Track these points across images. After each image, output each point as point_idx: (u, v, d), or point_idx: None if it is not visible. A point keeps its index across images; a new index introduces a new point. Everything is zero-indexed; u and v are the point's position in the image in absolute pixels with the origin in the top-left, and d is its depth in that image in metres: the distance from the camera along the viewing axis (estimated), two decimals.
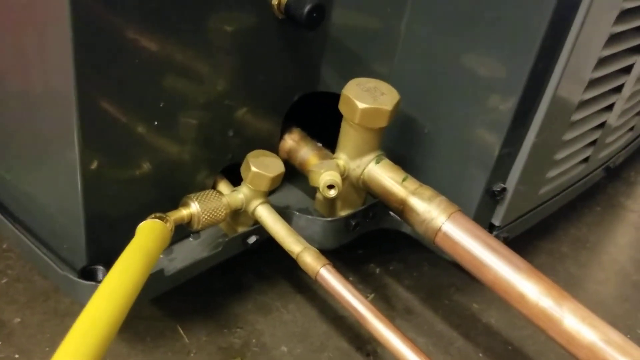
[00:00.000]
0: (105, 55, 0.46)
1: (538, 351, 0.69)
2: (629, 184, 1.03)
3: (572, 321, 0.47)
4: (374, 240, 0.78)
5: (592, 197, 0.96)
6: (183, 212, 0.55)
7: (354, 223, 0.63)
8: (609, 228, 0.93)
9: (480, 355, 0.67)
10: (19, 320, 0.63)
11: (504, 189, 0.60)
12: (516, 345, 0.70)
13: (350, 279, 0.75)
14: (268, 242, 0.60)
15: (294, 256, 0.56)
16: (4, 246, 0.72)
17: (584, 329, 0.46)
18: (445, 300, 0.74)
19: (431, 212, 0.53)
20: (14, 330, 0.62)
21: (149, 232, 0.45)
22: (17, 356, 0.60)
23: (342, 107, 0.56)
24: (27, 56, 0.49)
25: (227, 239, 0.60)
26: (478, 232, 0.52)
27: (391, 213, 0.68)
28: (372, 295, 0.74)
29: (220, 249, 0.59)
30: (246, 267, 0.74)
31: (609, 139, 0.75)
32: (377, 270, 0.78)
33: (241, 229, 0.61)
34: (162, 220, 0.49)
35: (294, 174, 0.69)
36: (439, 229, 0.53)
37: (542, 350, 0.69)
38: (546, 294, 0.48)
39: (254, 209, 0.59)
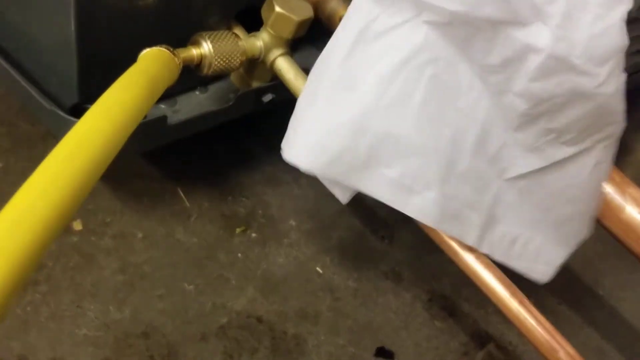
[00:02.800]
0: None
1: None
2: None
3: (634, 211, 0.41)
4: None
5: None
6: (193, 52, 0.47)
7: None
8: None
9: None
10: (1, 165, 0.57)
11: None
12: None
13: None
14: (283, 109, 0.53)
15: None
16: None
17: None
18: None
19: None
20: None
21: (154, 59, 0.37)
22: None
23: None
24: None
25: (239, 94, 0.52)
26: None
27: None
28: None
29: (230, 104, 0.52)
30: (255, 136, 0.67)
31: None
32: None
33: (256, 84, 0.54)
34: (170, 53, 0.41)
35: (318, 35, 0.60)
36: None
37: None
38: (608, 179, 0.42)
39: (274, 60, 0.51)
